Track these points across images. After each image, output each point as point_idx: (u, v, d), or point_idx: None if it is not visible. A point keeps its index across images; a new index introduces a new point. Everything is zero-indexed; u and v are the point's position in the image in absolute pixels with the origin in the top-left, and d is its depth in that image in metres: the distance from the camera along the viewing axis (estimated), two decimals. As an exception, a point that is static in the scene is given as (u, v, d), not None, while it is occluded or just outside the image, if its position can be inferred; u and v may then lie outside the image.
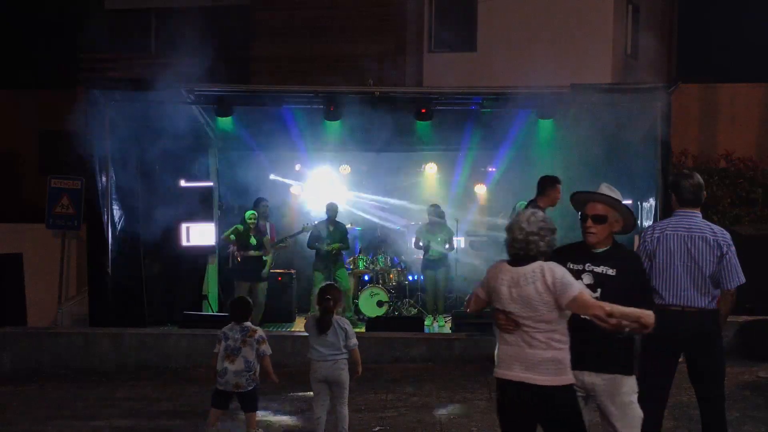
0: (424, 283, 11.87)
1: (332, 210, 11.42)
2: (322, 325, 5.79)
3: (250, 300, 6.65)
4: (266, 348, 6.10)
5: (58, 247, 11.82)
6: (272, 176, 12.56)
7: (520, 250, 3.91)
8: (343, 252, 11.65)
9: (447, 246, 11.62)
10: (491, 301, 4.01)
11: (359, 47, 14.11)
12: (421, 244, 11.64)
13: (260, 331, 6.18)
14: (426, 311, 11.68)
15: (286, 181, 12.79)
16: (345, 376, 5.86)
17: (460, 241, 12.53)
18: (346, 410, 5.91)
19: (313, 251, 11.47)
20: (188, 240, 11.60)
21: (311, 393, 6.01)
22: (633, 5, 15.75)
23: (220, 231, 11.86)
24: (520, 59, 12.94)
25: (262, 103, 10.63)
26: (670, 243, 4.85)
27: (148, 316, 10.66)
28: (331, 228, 11.33)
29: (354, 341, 5.87)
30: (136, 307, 10.60)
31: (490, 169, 12.90)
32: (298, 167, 12.84)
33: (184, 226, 11.43)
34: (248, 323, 6.19)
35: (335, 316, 5.85)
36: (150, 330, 9.83)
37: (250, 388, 6.08)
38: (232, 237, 10.77)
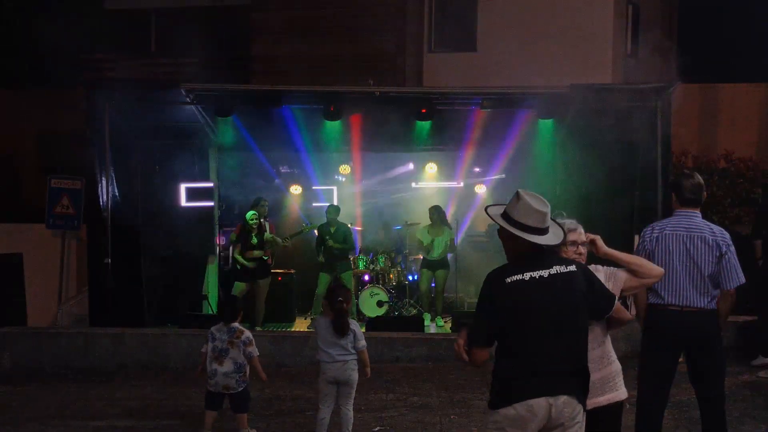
0: (418, 281, 11.83)
1: (333, 212, 11.39)
2: (339, 328, 5.76)
3: (240, 300, 6.62)
4: (253, 350, 6.06)
5: (58, 247, 11.82)
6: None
7: None
8: (349, 254, 11.65)
9: (449, 247, 11.62)
10: None
11: (359, 47, 14.10)
12: (424, 244, 11.65)
13: (247, 333, 6.13)
14: (422, 308, 11.65)
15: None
16: (355, 376, 5.86)
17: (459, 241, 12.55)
18: (351, 412, 5.91)
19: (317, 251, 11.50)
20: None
21: (311, 393, 6.01)
22: (633, 5, 15.75)
23: (220, 231, 11.87)
24: (520, 59, 12.94)
25: (262, 103, 10.62)
26: (669, 243, 4.85)
27: (148, 316, 10.66)
28: (333, 229, 11.30)
29: (363, 342, 5.87)
30: (136, 307, 10.60)
31: (490, 169, 12.89)
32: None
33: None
34: (236, 324, 6.14)
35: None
36: (150, 330, 9.83)
37: (240, 389, 6.08)
38: (233, 238, 10.84)
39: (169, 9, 15.88)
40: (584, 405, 3.60)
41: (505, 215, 3.68)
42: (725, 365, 4.98)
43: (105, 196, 10.07)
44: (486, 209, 3.86)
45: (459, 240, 12.36)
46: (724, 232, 4.87)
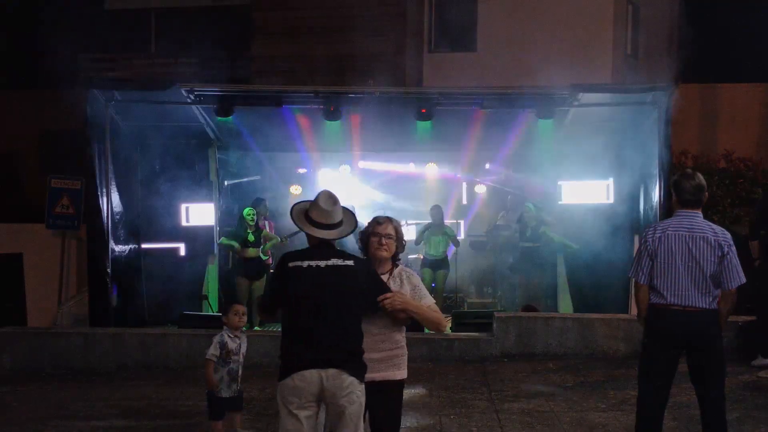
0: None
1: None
2: None
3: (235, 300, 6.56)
4: (209, 348, 5.85)
5: (58, 247, 11.82)
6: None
7: None
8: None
9: (454, 241, 11.65)
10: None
11: (359, 47, 14.11)
12: (422, 243, 11.66)
13: (217, 335, 5.96)
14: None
15: None
16: None
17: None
18: None
19: None
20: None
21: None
22: (633, 5, 15.75)
23: (220, 228, 11.86)
24: (520, 59, 12.96)
25: (262, 103, 10.62)
26: (671, 243, 4.85)
27: (148, 316, 10.65)
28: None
29: None
30: (136, 308, 10.60)
31: (490, 169, 12.87)
32: (302, 170, 12.87)
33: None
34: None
35: None
36: (150, 330, 9.82)
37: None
38: (224, 242, 10.84)
39: (169, 9, 15.89)
40: (358, 378, 4.07)
41: (306, 212, 4.30)
42: (725, 365, 4.98)
43: (105, 196, 10.06)
44: (293, 206, 4.45)
45: (460, 239, 12.35)
46: (726, 232, 4.87)
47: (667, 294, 4.83)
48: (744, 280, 4.84)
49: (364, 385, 4.13)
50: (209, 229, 11.70)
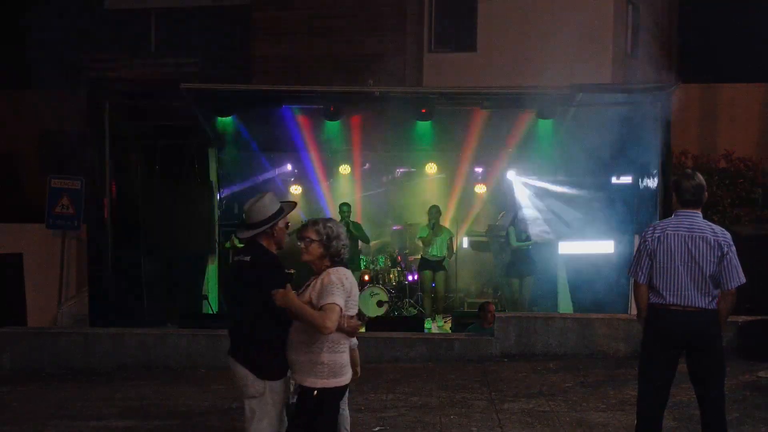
0: (419, 282, 11.83)
1: (346, 211, 11.40)
2: None
3: None
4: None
5: (58, 247, 11.83)
6: None
7: None
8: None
9: (447, 250, 11.63)
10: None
11: (359, 47, 14.12)
12: (425, 236, 11.68)
13: None
14: (424, 310, 11.67)
15: None
16: None
17: (462, 241, 12.56)
18: (347, 410, 5.88)
19: None
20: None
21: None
22: (633, 5, 15.75)
23: (220, 231, 11.87)
24: (520, 59, 12.96)
25: (262, 103, 10.63)
26: (670, 243, 4.85)
27: (148, 316, 10.65)
28: (350, 227, 11.31)
29: (354, 341, 5.82)
30: (136, 308, 10.60)
31: (490, 170, 12.88)
32: (289, 167, 12.90)
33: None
34: None
35: None
36: (150, 330, 9.81)
37: None
38: (228, 245, 10.82)
39: (169, 9, 15.90)
40: (254, 373, 4.22)
41: None
42: (725, 365, 4.98)
43: (105, 196, 10.06)
44: None
45: (459, 240, 12.36)
46: (725, 232, 4.87)
47: (667, 294, 4.83)
48: (744, 280, 4.84)
49: (273, 382, 4.23)
50: (209, 229, 11.72)
